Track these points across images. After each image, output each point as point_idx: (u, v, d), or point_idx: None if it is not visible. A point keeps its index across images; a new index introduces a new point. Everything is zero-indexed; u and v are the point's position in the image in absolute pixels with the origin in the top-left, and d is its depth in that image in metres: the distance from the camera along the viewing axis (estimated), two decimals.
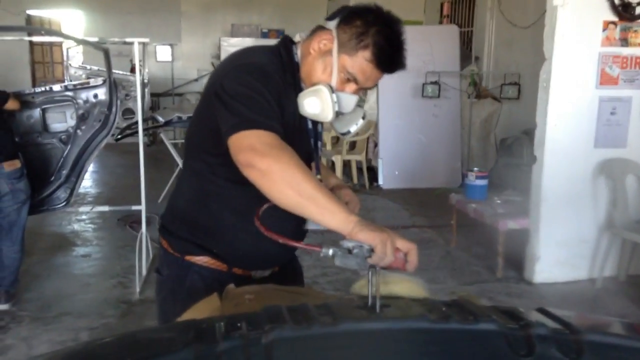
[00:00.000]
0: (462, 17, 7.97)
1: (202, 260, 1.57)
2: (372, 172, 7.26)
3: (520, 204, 4.41)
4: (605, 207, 4.08)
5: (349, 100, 1.50)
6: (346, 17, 1.48)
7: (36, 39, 9.28)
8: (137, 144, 4.13)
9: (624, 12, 3.91)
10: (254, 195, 1.34)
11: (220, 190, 1.54)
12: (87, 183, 6.92)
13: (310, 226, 1.57)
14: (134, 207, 4.15)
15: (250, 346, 0.97)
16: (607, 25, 3.94)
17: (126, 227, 5.29)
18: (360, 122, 1.59)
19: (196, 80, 10.68)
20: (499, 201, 4.48)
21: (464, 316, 1.09)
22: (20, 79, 10.17)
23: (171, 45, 10.38)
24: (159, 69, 10.36)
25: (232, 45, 9.27)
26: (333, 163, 6.85)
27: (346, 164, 7.02)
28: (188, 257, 1.58)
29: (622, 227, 3.92)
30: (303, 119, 1.53)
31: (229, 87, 1.40)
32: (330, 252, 1.24)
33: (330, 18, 1.52)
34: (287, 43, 1.56)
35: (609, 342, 1.09)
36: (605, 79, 3.99)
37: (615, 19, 3.93)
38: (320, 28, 1.53)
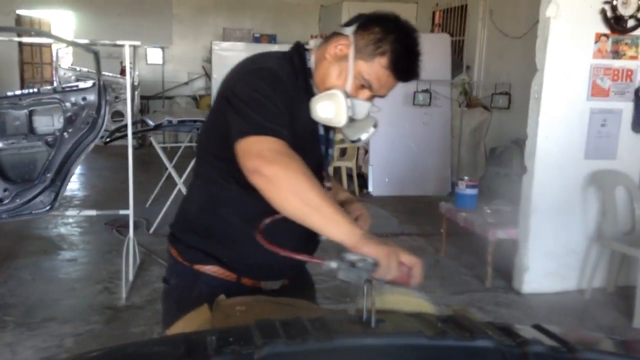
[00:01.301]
0: (453, 26, 8.00)
1: (211, 269, 1.54)
2: (362, 179, 7.25)
3: (509, 213, 4.41)
4: (594, 218, 4.10)
5: (363, 107, 1.49)
6: (364, 23, 1.48)
7: (25, 39, 9.17)
8: (125, 147, 4.09)
9: (616, 24, 3.93)
10: (265, 202, 1.33)
11: (231, 196, 1.52)
12: (74, 186, 6.84)
13: (324, 236, 1.55)
14: (122, 212, 4.10)
15: None
16: (599, 37, 3.96)
17: (113, 231, 5.23)
18: (372, 130, 1.56)
19: (186, 83, 10.63)
20: (488, 210, 4.48)
21: (460, 333, 1.07)
22: (8, 79, 10.07)
23: (162, 48, 10.32)
24: (150, 71, 10.28)
25: (224, 49, 9.22)
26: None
27: (336, 171, 7.00)
28: (197, 266, 1.55)
29: (611, 239, 3.93)
30: (315, 125, 1.52)
31: (240, 91, 1.40)
32: (333, 264, 1.22)
33: (347, 24, 1.52)
34: (299, 49, 1.55)
35: None
36: (596, 91, 4.00)
37: (607, 31, 3.95)
38: (336, 34, 1.52)
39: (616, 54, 4.01)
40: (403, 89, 7.01)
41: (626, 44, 4.01)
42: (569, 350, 1.06)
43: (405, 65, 1.45)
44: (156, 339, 1.28)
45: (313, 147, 1.54)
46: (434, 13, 8.69)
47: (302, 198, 1.25)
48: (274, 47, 9.19)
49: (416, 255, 1.28)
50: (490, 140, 7.03)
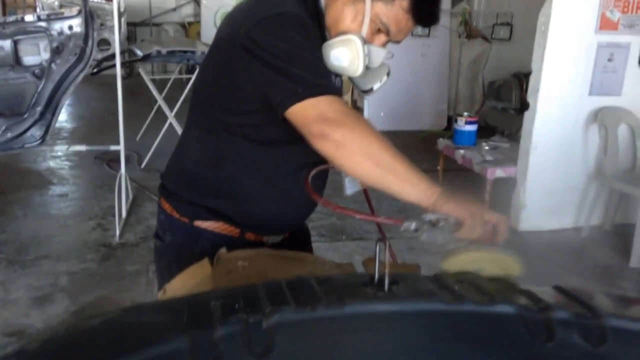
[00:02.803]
0: None
1: (213, 225, 1.44)
2: (357, 112, 7.11)
3: (508, 151, 4.35)
4: (595, 155, 4.04)
5: (379, 54, 1.36)
6: None
7: None
8: (113, 76, 3.94)
9: None
10: (277, 157, 1.24)
11: (239, 151, 1.39)
12: (63, 117, 6.69)
13: (348, 191, 1.46)
14: (113, 148, 3.99)
15: (251, 332, 0.89)
16: None
17: (104, 165, 5.14)
18: (385, 78, 1.45)
19: (174, 9, 10.26)
20: (487, 147, 4.41)
21: (479, 297, 1.01)
22: None
23: None
24: None
25: None
26: None
27: None
28: (197, 223, 1.44)
29: (611, 177, 3.88)
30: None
31: (268, 43, 1.22)
32: (414, 225, 1.14)
33: None
34: None
35: (633, 328, 1.03)
36: (604, 24, 3.85)
37: None
38: None
39: None
40: None
41: None
42: (595, 315, 1.00)
43: (427, 8, 1.32)
44: (156, 305, 1.21)
45: None
46: None
47: (374, 160, 1.15)
48: None
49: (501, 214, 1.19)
50: (488, 73, 6.87)
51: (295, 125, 1.21)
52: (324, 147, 1.18)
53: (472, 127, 4.53)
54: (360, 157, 1.16)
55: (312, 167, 1.34)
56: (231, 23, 1.33)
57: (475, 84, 7.11)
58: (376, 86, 1.45)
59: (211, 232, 1.44)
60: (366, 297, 1.06)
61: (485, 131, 5.14)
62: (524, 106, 4.24)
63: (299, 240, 1.63)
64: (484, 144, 4.48)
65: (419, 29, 6.67)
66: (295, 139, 1.23)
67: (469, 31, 6.95)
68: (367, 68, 1.35)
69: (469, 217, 1.12)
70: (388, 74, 1.45)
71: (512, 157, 4.17)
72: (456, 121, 4.61)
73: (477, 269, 1.12)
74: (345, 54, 1.30)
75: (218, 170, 1.42)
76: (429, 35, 6.82)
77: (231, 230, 1.45)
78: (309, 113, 1.18)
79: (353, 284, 1.14)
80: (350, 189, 1.38)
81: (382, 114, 7.04)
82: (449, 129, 6.44)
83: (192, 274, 1.38)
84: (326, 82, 1.22)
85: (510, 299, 1.01)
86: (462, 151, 4.43)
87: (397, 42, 1.39)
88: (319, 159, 1.34)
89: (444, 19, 6.91)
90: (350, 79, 1.42)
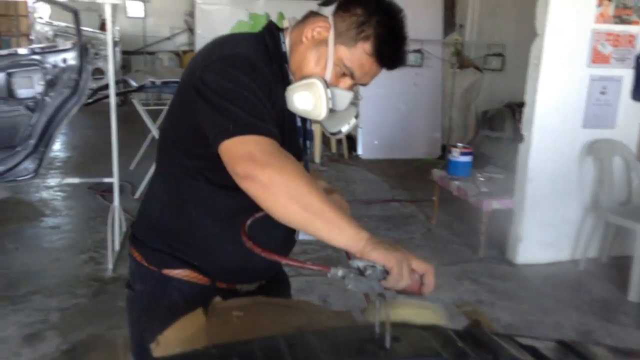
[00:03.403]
0: None
1: (181, 273, 1.40)
2: (351, 141, 7.13)
3: (503, 181, 4.34)
4: (591, 188, 4.04)
5: (344, 96, 1.34)
6: (345, 3, 1.32)
7: None
8: (107, 104, 3.91)
9: None
10: (239, 201, 1.20)
11: (200, 195, 1.36)
12: (56, 146, 6.64)
13: (301, 236, 1.44)
14: (106, 180, 3.96)
15: None
16: (601, 1, 3.81)
17: (97, 196, 5.10)
18: (353, 121, 1.42)
19: (169, 38, 10.32)
20: (482, 178, 4.40)
21: (481, 354, 0.98)
22: None
23: (143, 1, 9.95)
24: (130, 25, 9.93)
25: (207, 2, 8.91)
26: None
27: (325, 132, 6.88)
28: (166, 271, 1.40)
29: (607, 209, 3.87)
30: (292, 115, 1.37)
31: (214, 82, 1.22)
32: (340, 272, 1.11)
33: (325, 4, 1.38)
34: (272, 30, 1.38)
35: None
36: (597, 57, 3.88)
37: None
38: (313, 14, 1.36)
39: (619, 19, 3.87)
40: None
41: (629, 8, 3.87)
42: None
43: (390, 51, 1.31)
44: None
45: (291, 140, 1.39)
46: None
47: (301, 204, 1.11)
48: (260, 2, 8.89)
49: (427, 262, 1.16)
50: (481, 102, 6.92)
51: (225, 163, 1.18)
52: (250, 188, 1.14)
53: (467, 158, 4.53)
54: (287, 200, 1.12)
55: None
56: (191, 65, 1.34)
57: (469, 113, 7.15)
58: (344, 129, 1.42)
59: (180, 281, 1.40)
60: (367, 356, 1.03)
61: (479, 160, 5.14)
62: (517, 136, 4.25)
63: (278, 288, 1.58)
64: (478, 174, 4.46)
65: (411, 59, 6.75)
66: None
67: (461, 61, 7.02)
68: (333, 111, 1.34)
69: (396, 265, 1.09)
70: (357, 117, 1.43)
71: (507, 189, 4.16)
72: (450, 152, 4.61)
73: (402, 319, 1.10)
74: (308, 98, 1.29)
75: (181, 216, 1.39)
76: (421, 65, 6.87)
77: (201, 279, 1.41)
78: (236, 150, 1.15)
79: (353, 339, 1.11)
80: (302, 234, 1.35)
81: (375, 142, 7.06)
82: (443, 157, 6.45)
83: (186, 325, 1.34)
84: (260, 123, 1.18)
85: (515, 357, 0.98)
86: (457, 182, 4.42)
87: (364, 84, 1.37)
88: None
89: (436, 49, 6.98)
90: (320, 122, 1.39)
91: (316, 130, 6.61)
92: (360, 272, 1.12)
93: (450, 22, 7.34)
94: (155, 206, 1.45)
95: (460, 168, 4.53)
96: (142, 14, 9.98)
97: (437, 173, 4.74)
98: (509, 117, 6.04)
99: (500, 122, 6.19)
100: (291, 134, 1.40)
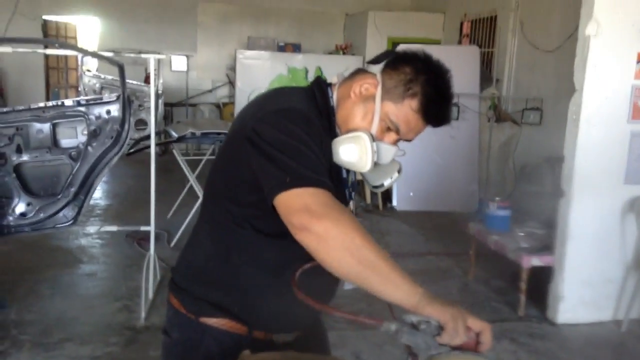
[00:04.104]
0: (482, 37, 7.81)
1: (219, 322, 1.40)
2: (386, 193, 7.09)
3: (543, 237, 4.23)
4: (633, 246, 3.90)
5: (388, 151, 1.37)
6: (394, 61, 1.36)
7: (50, 51, 9.21)
8: (148, 154, 4.01)
9: None
10: (284, 250, 1.22)
11: (246, 244, 1.38)
12: (97, 195, 6.79)
13: (347, 286, 1.43)
14: (143, 228, 4.02)
15: None
16: None
17: (134, 244, 5.16)
18: (396, 175, 1.44)
19: (210, 91, 10.58)
20: (521, 234, 4.30)
21: None
22: (34, 84, 10.14)
23: (187, 55, 10.29)
24: (174, 78, 10.26)
25: (248, 57, 9.18)
26: None
27: (359, 183, 6.87)
28: (203, 319, 1.41)
29: None
30: (337, 167, 1.39)
31: (269, 134, 1.25)
32: (394, 327, 1.10)
33: (374, 61, 1.40)
34: (321, 84, 1.42)
35: None
36: (637, 113, 3.82)
37: None
38: (361, 71, 1.41)
39: None
40: None
41: None
42: None
43: (436, 109, 1.33)
44: None
45: (338, 191, 1.40)
46: (462, 23, 8.50)
47: (357, 257, 1.12)
48: (299, 57, 9.11)
49: (485, 321, 1.15)
50: (520, 156, 6.83)
51: (280, 214, 1.20)
52: (305, 239, 1.15)
53: (505, 212, 4.45)
54: (342, 253, 1.13)
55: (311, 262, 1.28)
56: (242, 117, 1.37)
57: (506, 167, 7.07)
58: (387, 182, 1.45)
59: (217, 330, 1.40)
60: None
61: (517, 214, 5.04)
62: (557, 191, 4.17)
63: (315, 340, 1.57)
64: (517, 230, 4.37)
65: None
66: None
67: (498, 115, 6.99)
68: (377, 164, 1.36)
69: (451, 321, 1.08)
70: (399, 171, 1.45)
71: (547, 245, 4.05)
72: (488, 206, 4.54)
73: None
74: (354, 150, 1.32)
75: (225, 263, 1.40)
76: (457, 118, 6.86)
77: (238, 328, 1.41)
78: (293, 203, 1.18)
79: None
80: (348, 284, 1.34)
81: (411, 194, 7.02)
82: (479, 211, 6.35)
83: None
84: (316, 175, 1.20)
85: None
86: (495, 237, 4.33)
87: (408, 140, 1.39)
88: None
89: (473, 102, 6.98)
90: (362, 174, 1.42)
91: None
92: (414, 326, 1.11)
93: (486, 76, 7.36)
94: (199, 253, 1.47)
95: (499, 222, 4.45)
96: (185, 68, 10.30)
97: (474, 227, 4.66)
98: (548, 171, 5.93)
99: (539, 177, 6.09)
100: (337, 186, 1.41)
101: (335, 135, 1.37)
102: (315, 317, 1.57)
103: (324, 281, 1.32)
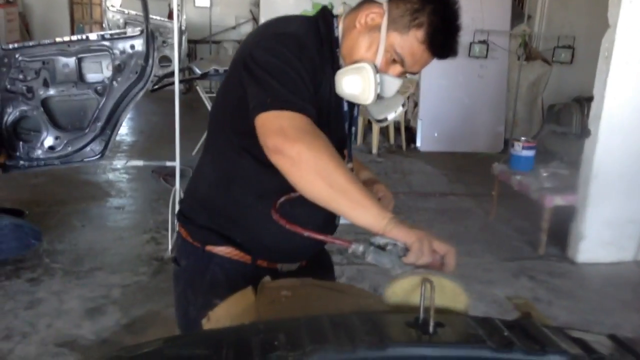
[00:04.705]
0: None
1: (224, 250, 1.44)
2: (410, 132, 7.05)
3: (567, 177, 4.19)
4: None
5: (392, 83, 1.35)
6: None
7: None
8: (172, 91, 4.04)
9: None
10: (283, 180, 1.22)
11: (245, 173, 1.40)
12: (123, 131, 6.87)
13: (342, 220, 1.45)
14: (169, 163, 4.09)
15: None
16: None
17: (160, 179, 5.26)
18: (400, 109, 1.43)
19: (234, 28, 10.46)
20: (545, 174, 4.27)
21: (529, 344, 0.96)
22: (59, 19, 10.14)
23: None
24: (197, 14, 10.14)
25: None
26: (369, 122, 6.67)
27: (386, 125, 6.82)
28: (209, 247, 1.45)
29: None
30: (339, 99, 1.39)
31: (260, 57, 1.26)
32: (361, 248, 1.15)
33: None
34: (326, 15, 1.41)
35: None
36: None
37: None
38: (368, 1, 1.37)
39: None
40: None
41: None
42: None
43: (443, 40, 1.30)
44: (196, 337, 1.21)
45: (336, 124, 1.42)
46: None
47: (327, 180, 1.14)
48: None
49: (449, 243, 1.17)
50: (548, 96, 6.70)
51: (258, 135, 1.21)
52: (279, 161, 1.18)
53: (530, 153, 4.40)
54: (314, 176, 1.15)
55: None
56: (244, 44, 1.37)
57: (534, 107, 6.94)
58: (390, 116, 1.43)
59: (222, 257, 1.44)
60: (409, 339, 1.03)
61: (544, 156, 4.99)
62: (584, 132, 4.10)
63: (320, 270, 1.59)
64: (542, 170, 4.33)
65: (476, 50, 6.61)
66: None
67: (528, 53, 6.81)
68: (381, 97, 1.35)
69: (417, 242, 1.11)
70: (404, 105, 1.43)
71: (571, 185, 4.02)
72: (513, 145, 4.50)
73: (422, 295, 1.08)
74: (357, 82, 1.30)
75: (227, 193, 1.43)
76: (486, 56, 6.70)
77: (242, 257, 1.45)
78: (269, 124, 1.19)
79: (397, 323, 1.11)
80: (342, 219, 1.35)
81: (436, 134, 6.96)
82: (505, 152, 6.30)
83: (236, 302, 1.37)
84: (298, 100, 1.21)
85: (563, 349, 0.96)
86: (518, 177, 4.31)
87: (413, 73, 1.37)
88: None
89: (503, 40, 6.80)
90: (365, 107, 1.41)
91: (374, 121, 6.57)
92: (382, 248, 1.14)
93: (518, 13, 7.13)
94: (203, 184, 1.50)
95: (523, 162, 4.41)
96: (208, 4, 10.16)
97: (498, 167, 4.64)
98: (577, 111, 5.82)
99: (567, 117, 5.97)
100: (337, 118, 1.42)
101: (338, 67, 1.36)
102: (319, 248, 1.59)
103: (321, 213, 1.29)
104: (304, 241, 1.26)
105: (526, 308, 1.27)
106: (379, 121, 1.45)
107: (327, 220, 1.43)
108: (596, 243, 3.90)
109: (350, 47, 1.35)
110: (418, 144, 6.92)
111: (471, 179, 5.70)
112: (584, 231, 3.90)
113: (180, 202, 1.57)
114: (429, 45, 1.30)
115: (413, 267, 1.13)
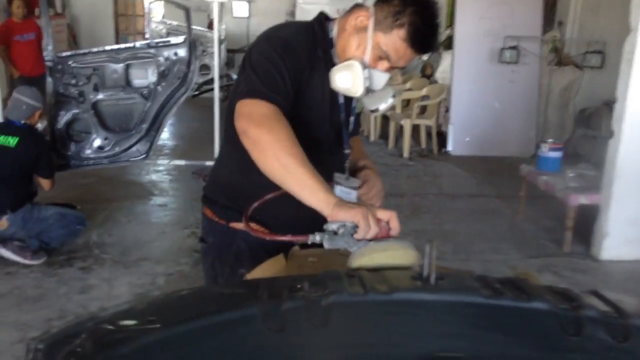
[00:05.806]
0: None
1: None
2: (442, 137, 7.18)
3: (593, 178, 4.28)
4: None
5: (381, 77, 1.53)
6: None
7: None
8: (212, 99, 4.30)
9: None
10: None
11: None
12: (165, 135, 7.20)
13: (330, 226, 1.41)
14: (208, 163, 4.34)
15: (312, 307, 1.07)
16: None
17: (200, 180, 5.52)
18: (390, 100, 1.60)
19: None
20: (571, 174, 4.36)
21: (517, 294, 1.13)
22: (104, 31, 10.58)
23: (248, 1, 10.46)
24: (235, 25, 10.50)
25: (308, 2, 9.27)
26: (402, 127, 6.82)
27: (415, 128, 6.97)
28: (233, 224, 1.64)
29: None
30: (335, 93, 1.59)
31: (252, 57, 1.49)
32: (317, 237, 1.30)
33: None
34: (321, 19, 1.61)
35: None
36: None
37: None
38: (357, 5, 1.57)
39: None
40: (489, 45, 6.82)
41: None
42: (622, 316, 1.09)
43: (422, 38, 1.48)
44: (237, 283, 1.41)
45: (332, 114, 1.62)
46: None
47: (281, 162, 1.33)
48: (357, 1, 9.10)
49: (391, 209, 1.34)
50: (580, 100, 6.75)
51: (234, 119, 1.43)
52: (244, 141, 1.39)
53: (557, 154, 4.51)
54: (270, 158, 1.35)
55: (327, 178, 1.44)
56: (250, 45, 1.61)
57: (566, 111, 6.99)
58: (381, 107, 1.60)
59: (245, 232, 1.55)
60: (413, 287, 1.21)
61: (574, 159, 5.07)
62: (609, 133, 4.19)
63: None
64: (568, 170, 4.42)
65: (507, 56, 6.71)
66: (309, 144, 1.40)
67: (559, 58, 6.88)
68: (371, 90, 1.54)
69: (362, 218, 1.26)
70: (394, 96, 1.61)
71: (596, 184, 4.11)
72: (540, 147, 4.61)
73: (373, 264, 1.23)
74: (347, 77, 1.49)
75: (245, 178, 1.59)
76: (517, 62, 6.80)
77: (262, 231, 1.61)
78: (241, 110, 1.42)
79: (403, 276, 1.30)
80: (331, 225, 1.36)
81: (467, 139, 7.06)
82: (536, 156, 6.37)
83: (269, 266, 1.58)
84: (270, 92, 1.40)
85: (546, 298, 1.12)
86: (545, 177, 4.41)
87: (399, 68, 1.57)
88: (336, 165, 1.60)
89: (534, 46, 6.89)
90: (360, 99, 1.60)
91: (406, 126, 6.73)
92: (335, 233, 1.30)
93: (549, 19, 7.21)
94: (224, 170, 1.71)
95: (550, 164, 4.51)
96: (246, 14, 10.51)
97: (525, 168, 4.75)
98: (607, 115, 5.85)
99: (597, 121, 6.03)
100: (333, 109, 1.63)
101: (334, 65, 1.55)
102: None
103: (307, 210, 1.39)
104: (314, 217, 1.38)
105: (525, 275, 1.44)
106: (372, 111, 1.64)
107: (313, 216, 1.49)
108: (619, 241, 3.98)
109: (343, 47, 1.55)
110: (449, 148, 7.04)
111: (500, 182, 5.80)
112: (608, 229, 3.98)
113: (204, 189, 1.76)
114: (411, 42, 1.48)
115: (366, 241, 1.29)
